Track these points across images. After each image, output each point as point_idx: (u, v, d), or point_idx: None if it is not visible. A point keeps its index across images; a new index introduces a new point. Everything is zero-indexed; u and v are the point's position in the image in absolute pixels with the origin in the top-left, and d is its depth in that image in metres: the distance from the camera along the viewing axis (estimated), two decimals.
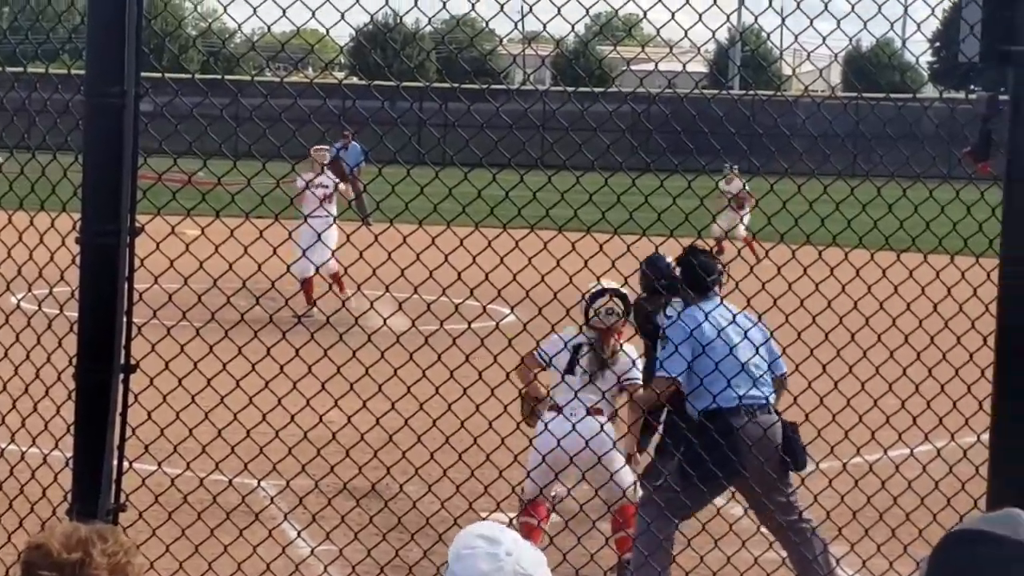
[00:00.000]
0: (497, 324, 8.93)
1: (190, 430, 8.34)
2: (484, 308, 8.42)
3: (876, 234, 8.39)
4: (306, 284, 21.63)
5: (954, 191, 8.64)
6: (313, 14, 7.28)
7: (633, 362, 11.17)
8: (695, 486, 9.60)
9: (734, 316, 9.79)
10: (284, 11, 7.24)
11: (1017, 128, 6.52)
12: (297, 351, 8.13)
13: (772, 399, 10.17)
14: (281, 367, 8.03)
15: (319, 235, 20.96)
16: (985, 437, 6.87)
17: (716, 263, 10.43)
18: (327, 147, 23.95)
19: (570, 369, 10.93)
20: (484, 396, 8.48)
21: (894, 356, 8.78)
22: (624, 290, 10.96)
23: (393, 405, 8.45)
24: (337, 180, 23.95)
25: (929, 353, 8.72)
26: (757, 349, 9.69)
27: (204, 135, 7.74)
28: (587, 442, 9.69)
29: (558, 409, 10.67)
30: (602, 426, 10.26)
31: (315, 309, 19.66)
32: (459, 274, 7.99)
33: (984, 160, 6.93)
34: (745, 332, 9.59)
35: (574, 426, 9.68)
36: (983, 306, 7.39)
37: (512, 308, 9.36)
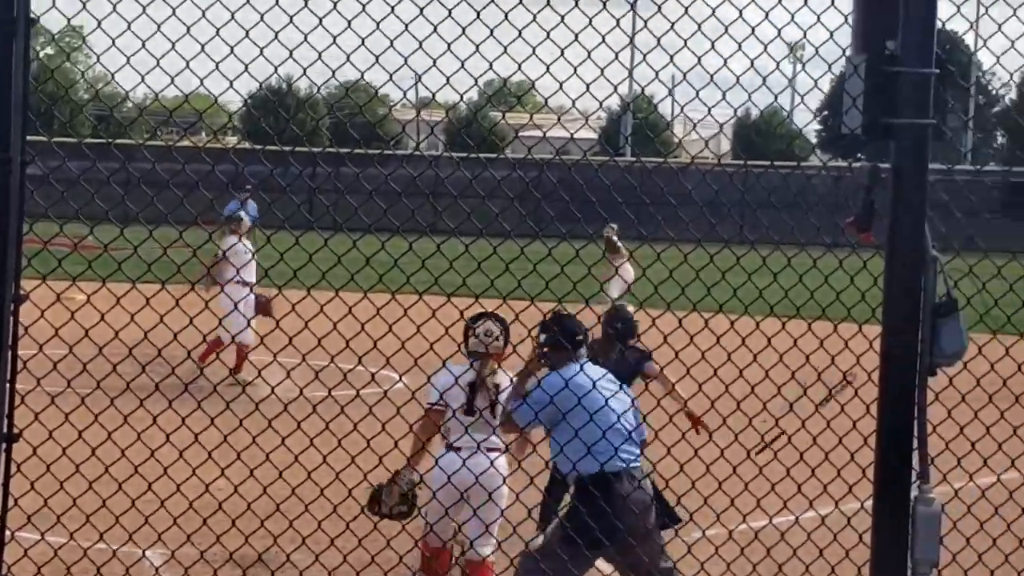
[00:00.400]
0: (385, 392, 8.90)
1: (74, 499, 8.25)
2: (373, 376, 8.40)
3: (761, 302, 8.48)
4: (211, 346, 20.58)
5: (837, 260, 8.74)
6: (202, 82, 7.27)
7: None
8: (580, 552, 9.65)
9: (601, 378, 9.92)
10: (172, 79, 7.20)
11: (898, 199, 6.61)
12: (183, 419, 8.07)
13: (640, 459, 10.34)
14: (167, 435, 7.96)
15: (236, 304, 20.94)
16: (869, 504, 6.93)
17: (580, 325, 10.45)
18: (244, 215, 23.42)
19: (468, 410, 10.99)
20: (372, 464, 8.45)
21: (779, 423, 8.85)
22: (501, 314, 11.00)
23: (280, 474, 8.40)
24: (253, 250, 22.96)
25: (813, 420, 8.81)
26: (626, 410, 9.84)
27: (92, 201, 7.69)
28: (477, 478, 9.85)
29: (454, 448, 10.83)
30: (492, 462, 10.49)
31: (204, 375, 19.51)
32: (347, 342, 7.97)
33: (867, 230, 7.02)
34: (614, 394, 9.74)
35: (465, 462, 10.04)
36: (866, 374, 7.47)
37: (401, 376, 9.36)
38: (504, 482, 10.74)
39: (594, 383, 9.72)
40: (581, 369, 9.96)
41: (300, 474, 8.39)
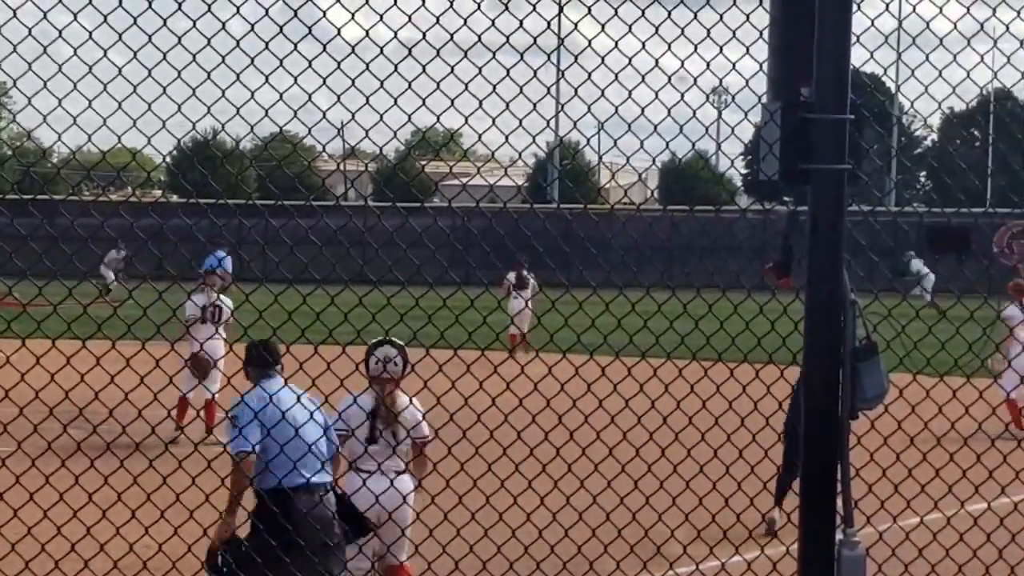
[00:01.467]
0: (310, 447, 8.88)
1: None
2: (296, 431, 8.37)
3: (683, 348, 8.50)
4: (181, 403, 20.34)
5: (758, 305, 8.79)
6: (119, 139, 7.25)
7: (423, 416, 11.64)
8: (261, 569, 9.74)
9: (299, 397, 9.99)
10: (90, 136, 7.18)
11: (815, 243, 6.66)
12: (106, 478, 8.01)
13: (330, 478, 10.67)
14: (90, 495, 7.89)
15: (215, 362, 20.64)
16: (794, 548, 6.95)
17: (278, 348, 10.73)
18: (219, 270, 23.04)
19: (372, 438, 11.43)
20: None
21: (704, 470, 8.87)
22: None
23: (205, 531, 8.34)
24: (231, 306, 22.44)
25: (737, 466, 8.83)
26: (306, 423, 10.05)
27: (10, 259, 7.64)
28: (377, 499, 10.05)
29: (359, 471, 11.36)
30: (392, 483, 10.94)
31: (182, 434, 19.33)
32: (271, 396, 7.95)
33: (786, 275, 7.07)
34: (311, 414, 9.99)
35: (367, 489, 10.41)
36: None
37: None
38: (405, 500, 11.15)
39: (298, 398, 9.94)
40: (286, 385, 10.26)
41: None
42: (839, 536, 6.70)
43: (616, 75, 7.79)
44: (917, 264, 51.20)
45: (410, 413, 11.60)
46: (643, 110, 8.02)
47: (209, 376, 20.61)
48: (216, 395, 20.93)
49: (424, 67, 7.38)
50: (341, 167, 9.55)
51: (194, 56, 7.03)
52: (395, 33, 7.67)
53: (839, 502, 6.68)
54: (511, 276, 34.59)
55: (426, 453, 11.56)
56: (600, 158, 8.23)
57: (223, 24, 7.15)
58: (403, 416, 11.53)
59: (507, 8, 7.51)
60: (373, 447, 11.44)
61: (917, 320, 8.59)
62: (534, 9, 7.62)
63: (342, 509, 10.58)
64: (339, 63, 7.26)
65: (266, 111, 7.39)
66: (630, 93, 7.91)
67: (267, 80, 7.27)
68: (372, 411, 11.44)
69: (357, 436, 11.42)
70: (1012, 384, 22.88)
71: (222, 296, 22.58)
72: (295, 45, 7.32)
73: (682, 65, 7.78)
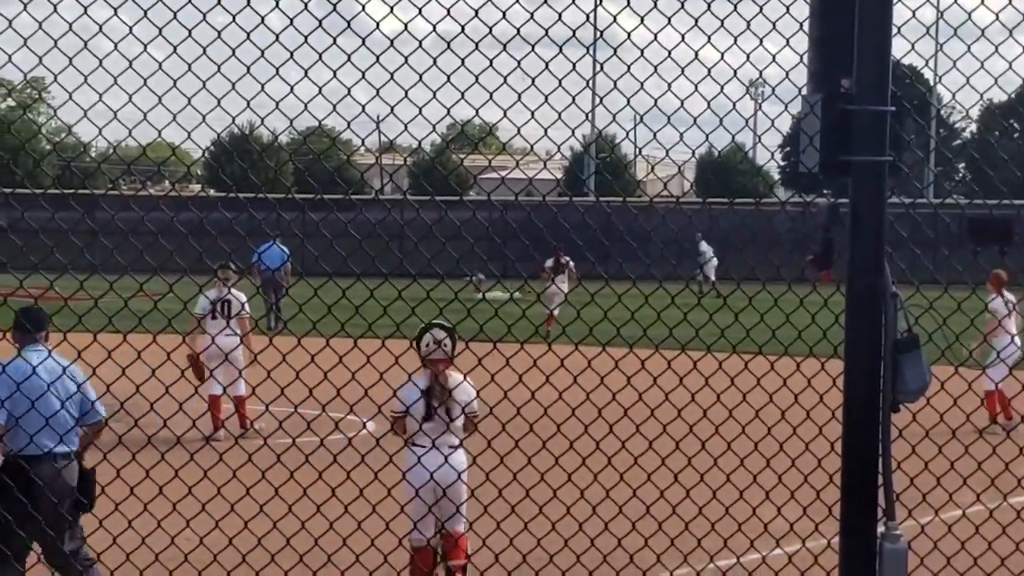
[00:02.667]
0: (350, 440, 8.89)
1: (39, 556, 8.19)
2: (336, 424, 8.34)
3: (724, 341, 8.49)
4: (213, 404, 20.22)
5: (798, 297, 8.75)
6: (159, 133, 7.26)
7: (476, 394, 12.16)
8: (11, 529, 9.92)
9: (64, 369, 10.17)
10: (130, 131, 7.20)
11: (856, 236, 6.64)
12: (148, 471, 8.04)
13: (75, 447, 10.81)
14: (131, 488, 7.92)
15: (226, 355, 20.69)
16: (835, 542, 6.93)
17: (45, 317, 10.82)
18: (232, 265, 23.12)
19: (427, 416, 12.02)
20: (338, 512, 8.43)
21: (744, 464, 8.85)
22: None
23: (246, 524, 8.36)
24: (243, 300, 22.32)
25: (778, 459, 8.81)
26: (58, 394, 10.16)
27: (52, 253, 7.66)
28: (431, 475, 10.96)
29: (416, 447, 11.90)
30: (447, 458, 11.34)
31: (222, 431, 19.40)
32: (311, 390, 7.96)
33: (827, 268, 7.04)
34: (56, 384, 10.02)
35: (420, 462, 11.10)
36: (830, 412, 7.49)
37: (365, 423, 9.34)
38: (460, 474, 11.67)
39: (64, 369, 10.09)
40: (49, 355, 10.25)
41: (266, 523, 8.35)
42: (881, 529, 6.68)
43: (655, 68, 7.78)
44: (704, 246, 50.23)
45: (463, 390, 12.13)
46: (682, 103, 7.99)
47: (226, 374, 20.46)
48: (241, 391, 21.16)
49: (463, 60, 7.38)
50: (379, 161, 9.55)
51: (233, 50, 7.05)
52: (434, 27, 7.67)
53: (881, 495, 6.66)
54: (549, 263, 35.79)
55: (472, 423, 12.23)
56: (639, 151, 8.23)
57: (262, 18, 7.16)
58: (456, 393, 12.08)
59: (546, 1, 7.50)
60: (428, 424, 12.00)
61: (959, 312, 8.55)
62: (573, 2, 7.61)
63: (81, 483, 10.78)
64: (378, 57, 7.26)
65: (305, 105, 7.39)
66: (669, 86, 7.90)
67: (306, 74, 7.28)
68: (426, 390, 12.00)
69: (413, 414, 12.05)
70: (1000, 376, 22.62)
71: (234, 291, 22.27)
72: (334, 39, 7.33)
73: (722, 57, 7.76)
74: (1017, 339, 22.10)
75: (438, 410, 12.03)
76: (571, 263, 37.59)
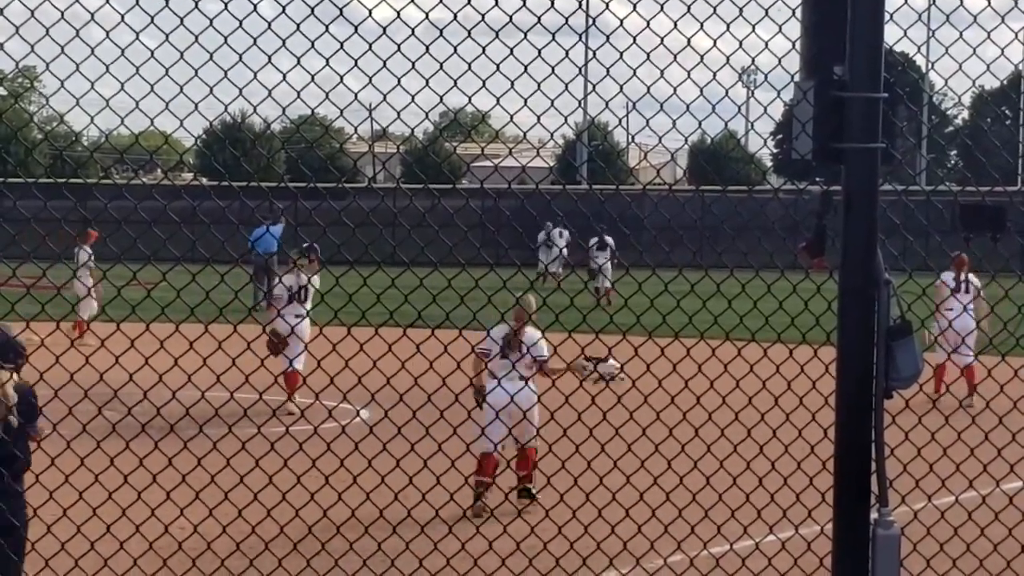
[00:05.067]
0: (343, 427, 8.90)
1: (32, 544, 8.19)
2: (330, 412, 8.36)
3: (717, 328, 8.49)
4: (288, 379, 20.72)
5: (791, 284, 8.76)
6: (152, 122, 7.26)
7: (542, 335, 15.26)
8: None
9: None
10: (122, 119, 7.20)
11: (849, 223, 6.64)
12: (141, 460, 8.04)
13: None
14: (125, 476, 7.93)
15: (292, 329, 21.25)
16: (829, 528, 6.94)
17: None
18: (309, 254, 23.50)
19: (503, 353, 15.55)
20: (332, 500, 8.43)
21: (737, 450, 8.87)
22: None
23: (240, 512, 8.36)
24: (306, 281, 22.68)
25: (772, 446, 8.82)
26: None
27: (44, 242, 7.65)
28: (512, 398, 14.83)
29: (498, 380, 15.13)
30: (522, 388, 15.04)
31: (291, 403, 19.97)
32: (304, 378, 7.97)
33: (819, 255, 7.04)
34: None
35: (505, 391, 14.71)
36: (823, 399, 7.50)
37: (359, 410, 9.35)
38: (537, 399, 14.91)
39: None
40: None
41: (260, 512, 8.35)
42: (874, 515, 6.69)
43: (648, 55, 7.78)
44: (555, 235, 49.88)
45: (531, 340, 15.52)
46: (675, 90, 8.00)
47: (290, 348, 20.92)
48: (299, 366, 21.51)
49: (455, 48, 7.37)
50: (372, 149, 9.53)
51: (226, 38, 7.04)
52: (426, 14, 7.67)
53: (874, 481, 6.67)
54: (593, 241, 38.14)
55: (545, 370, 15.31)
56: (632, 138, 8.23)
57: (255, 6, 7.16)
58: (526, 336, 15.56)
59: None
60: (504, 360, 15.45)
61: (952, 299, 8.55)
62: None
63: None
64: (370, 45, 7.26)
65: (297, 93, 7.39)
66: (662, 73, 7.89)
67: (298, 62, 7.27)
68: (506, 336, 15.58)
69: (495, 353, 15.50)
70: (949, 350, 22.51)
71: (313, 278, 22.19)
72: (326, 27, 7.32)
73: (714, 44, 7.76)
74: (963, 319, 22.22)
75: (511, 352, 15.59)
76: (611, 241, 39.90)
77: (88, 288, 26.94)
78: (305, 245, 23.66)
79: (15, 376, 9.74)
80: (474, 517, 13.92)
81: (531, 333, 15.83)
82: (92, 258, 27.55)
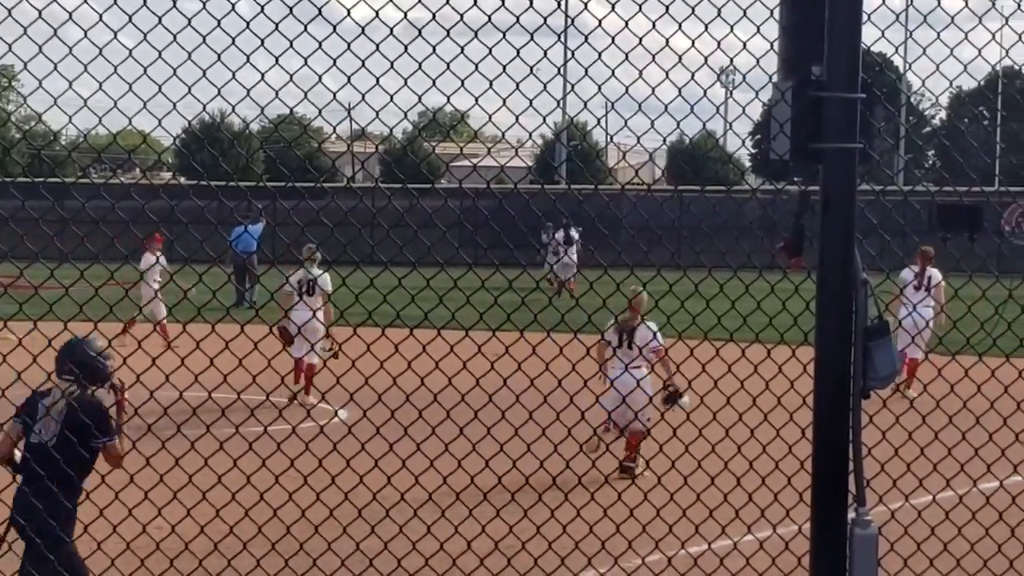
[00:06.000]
0: (322, 427, 8.90)
1: (10, 544, 8.17)
2: (308, 412, 8.35)
3: (695, 328, 8.50)
4: (307, 369, 22.32)
5: (769, 284, 8.77)
6: (130, 121, 7.24)
7: (654, 335, 16.58)
8: None
9: None
10: (100, 119, 7.18)
11: (827, 223, 6.66)
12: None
13: None
14: (103, 477, 7.91)
15: (299, 328, 21.69)
16: (806, 528, 6.95)
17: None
18: (314, 246, 24.02)
19: (620, 344, 16.91)
20: (310, 500, 8.42)
21: (715, 450, 8.87)
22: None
23: (218, 512, 8.35)
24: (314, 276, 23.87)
25: (749, 446, 8.83)
26: None
27: (21, 241, 7.63)
28: (639, 383, 14.02)
29: (615, 369, 16.42)
30: (638, 379, 14.80)
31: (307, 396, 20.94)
32: (282, 378, 7.96)
33: (798, 255, 7.05)
34: None
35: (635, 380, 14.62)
36: (800, 399, 7.51)
37: (336, 411, 9.34)
38: (641, 387, 14.56)
39: None
40: None
41: (238, 511, 8.34)
42: (851, 515, 6.71)
43: (626, 55, 7.78)
44: (573, 236, 49.80)
45: (643, 332, 16.73)
46: (653, 90, 8.00)
47: (305, 346, 21.56)
48: (314, 360, 22.09)
49: (434, 48, 7.37)
50: (350, 148, 9.54)
51: (204, 38, 7.03)
52: (405, 14, 7.67)
53: (851, 481, 6.69)
54: (559, 235, 38.98)
55: (665, 360, 16.37)
56: (610, 138, 8.24)
57: (233, 6, 7.15)
58: (638, 335, 16.74)
59: None
60: (620, 351, 16.90)
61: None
62: None
63: None
64: (348, 44, 7.25)
65: (276, 93, 7.37)
66: (640, 73, 7.90)
67: (276, 61, 7.27)
68: (620, 329, 16.81)
69: (611, 344, 16.81)
70: (903, 343, 22.78)
71: (315, 270, 23.53)
72: (305, 26, 7.31)
73: (692, 45, 7.77)
74: (921, 312, 22.39)
75: (627, 343, 16.95)
76: (578, 235, 40.49)
77: (155, 291, 28.36)
78: (310, 245, 24.08)
79: (90, 391, 9.96)
80: (590, 452, 14.56)
81: (644, 329, 17.01)
82: (159, 260, 28.40)
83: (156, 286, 29.09)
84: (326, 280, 24.03)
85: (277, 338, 21.40)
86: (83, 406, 9.85)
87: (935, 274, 24.92)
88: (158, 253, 29.54)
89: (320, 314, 22.56)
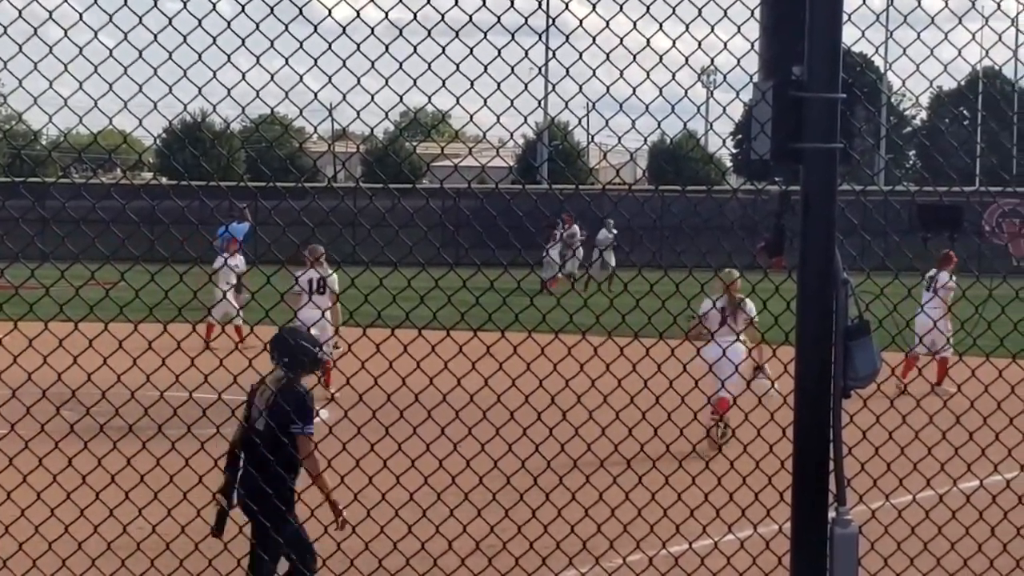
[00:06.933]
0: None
1: None
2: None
3: (676, 328, 8.50)
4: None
5: (750, 284, 8.77)
6: (110, 120, 7.23)
7: (751, 308, 18.26)
8: None
9: None
10: (80, 118, 7.17)
11: (807, 223, 6.66)
12: (100, 460, 8.02)
13: None
14: (83, 477, 7.90)
15: (308, 328, 21.70)
16: (787, 527, 6.96)
17: None
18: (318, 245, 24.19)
19: (722, 321, 17.80)
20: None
21: (696, 450, 8.89)
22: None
23: (199, 512, 8.34)
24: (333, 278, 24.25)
25: (730, 445, 8.85)
26: None
27: (1, 241, 7.62)
28: (728, 358, 15.12)
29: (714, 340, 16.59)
30: (728, 348, 15.99)
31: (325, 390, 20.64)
32: (263, 378, 7.94)
33: (778, 255, 7.06)
34: None
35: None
36: (781, 398, 7.52)
37: (318, 411, 9.34)
38: (739, 358, 16.74)
39: None
40: None
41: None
42: (832, 514, 6.72)
43: (607, 55, 7.79)
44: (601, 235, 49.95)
45: (748, 306, 18.20)
46: (634, 90, 8.01)
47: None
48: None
49: (415, 48, 7.37)
50: (332, 148, 9.53)
51: (184, 38, 7.02)
52: (386, 14, 7.67)
53: (832, 480, 6.69)
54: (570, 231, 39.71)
55: (754, 325, 17.94)
56: (591, 138, 8.25)
57: (214, 5, 7.14)
58: (743, 312, 18.21)
59: None
60: (720, 327, 17.64)
61: (909, 299, 8.60)
62: None
63: None
64: (330, 44, 7.25)
65: (257, 92, 7.38)
66: (621, 73, 7.91)
67: (258, 61, 7.26)
68: (722, 309, 17.94)
69: (710, 319, 17.48)
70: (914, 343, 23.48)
71: (331, 275, 23.70)
72: (286, 26, 7.31)
73: (673, 45, 7.78)
74: (920, 318, 22.75)
75: (729, 319, 18.25)
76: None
77: (224, 292, 29.18)
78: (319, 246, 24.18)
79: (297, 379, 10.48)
80: (709, 449, 15.81)
81: (747, 304, 18.58)
82: (227, 262, 28.64)
83: (224, 287, 29.55)
84: (334, 280, 24.23)
85: None
86: (287, 393, 10.38)
87: (941, 277, 25.27)
88: (230, 255, 30.06)
89: (328, 314, 22.69)
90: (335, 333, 22.94)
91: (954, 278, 25.08)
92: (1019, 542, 9.74)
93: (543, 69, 7.98)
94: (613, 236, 44.97)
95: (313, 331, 22.21)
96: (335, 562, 8.97)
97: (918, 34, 8.54)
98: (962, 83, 61.09)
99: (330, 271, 24.55)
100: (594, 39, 7.71)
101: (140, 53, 7.08)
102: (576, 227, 45.82)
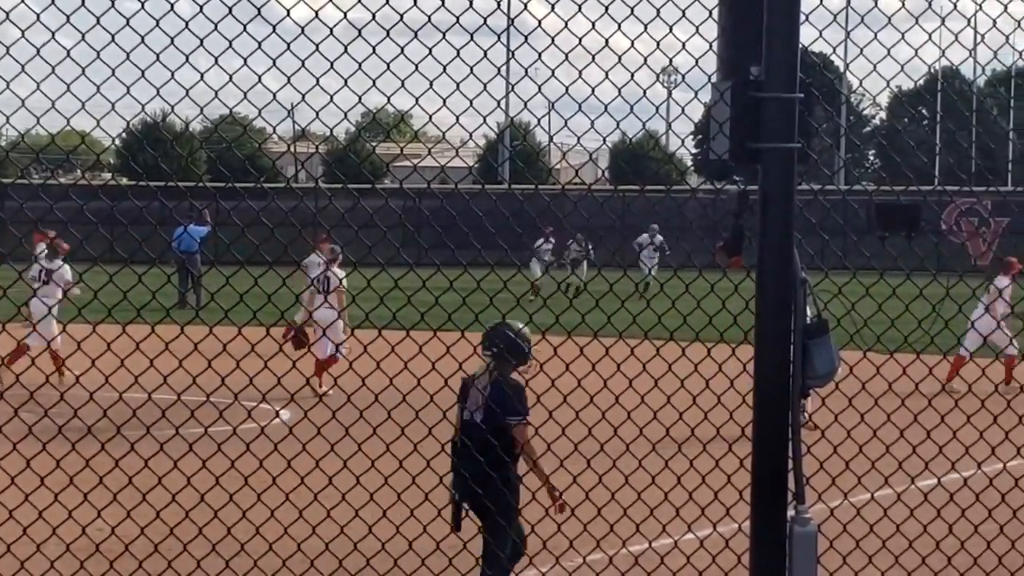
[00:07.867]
0: (263, 428, 8.88)
1: None
2: (249, 412, 8.34)
3: (635, 328, 8.52)
4: (326, 362, 22.47)
5: (709, 284, 8.80)
6: (68, 121, 7.21)
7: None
8: None
9: None
10: (38, 119, 7.14)
11: (766, 222, 6.69)
12: (58, 461, 7.99)
13: None
14: (42, 479, 7.87)
15: (323, 330, 21.72)
16: (747, 526, 6.98)
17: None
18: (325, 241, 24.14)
19: None
20: (251, 501, 8.40)
21: (656, 449, 8.91)
22: None
23: (158, 514, 8.32)
24: (340, 276, 23.86)
25: (690, 444, 8.87)
26: None
27: None
28: None
29: None
30: None
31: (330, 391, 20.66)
32: (223, 378, 7.93)
33: (737, 254, 7.08)
34: None
35: None
36: (740, 397, 7.54)
37: (278, 411, 9.33)
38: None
39: None
40: None
41: (178, 513, 8.31)
42: (791, 513, 6.74)
43: (566, 55, 7.80)
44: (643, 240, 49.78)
45: None
46: (593, 90, 8.03)
47: (323, 341, 21.98)
48: (327, 353, 22.31)
49: (374, 48, 7.37)
50: (292, 149, 9.53)
51: (143, 38, 7.00)
52: (344, 14, 7.66)
53: (791, 479, 6.72)
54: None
55: None
56: (551, 138, 8.26)
57: (172, 6, 7.13)
58: None
59: None
60: None
61: (867, 297, 8.65)
62: None
63: None
64: (288, 44, 7.25)
65: (216, 93, 7.37)
66: (580, 73, 7.92)
67: (216, 62, 7.25)
68: None
69: None
70: (974, 345, 24.64)
71: (333, 267, 23.64)
72: (244, 26, 7.30)
73: (632, 45, 7.79)
74: (983, 320, 23.50)
75: None
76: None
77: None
78: (333, 246, 24.11)
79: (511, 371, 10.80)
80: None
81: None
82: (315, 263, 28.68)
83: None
84: (339, 276, 24.40)
85: (281, 342, 21.40)
86: (502, 386, 10.71)
87: (998, 282, 26.25)
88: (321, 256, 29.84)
89: (333, 312, 22.95)
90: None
91: (1014, 283, 26.28)
92: (977, 540, 9.80)
93: (502, 69, 7.99)
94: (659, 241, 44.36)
95: (325, 329, 22.29)
96: (295, 562, 8.96)
97: (875, 34, 8.58)
98: (920, 83, 61.41)
99: (343, 272, 24.35)
100: (553, 39, 7.73)
101: (98, 53, 7.06)
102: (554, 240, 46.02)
